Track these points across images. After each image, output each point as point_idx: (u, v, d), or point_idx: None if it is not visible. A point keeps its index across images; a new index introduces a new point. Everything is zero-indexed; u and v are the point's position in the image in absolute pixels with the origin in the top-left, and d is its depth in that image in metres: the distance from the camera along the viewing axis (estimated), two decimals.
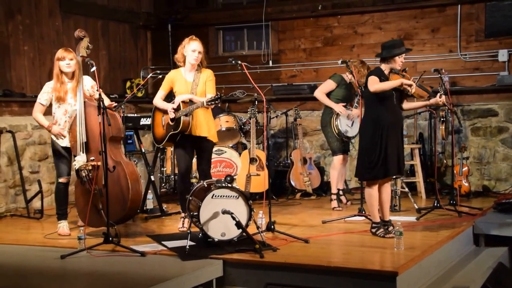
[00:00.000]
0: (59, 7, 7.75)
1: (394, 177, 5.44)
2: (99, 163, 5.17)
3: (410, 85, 4.97)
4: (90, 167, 5.20)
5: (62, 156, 5.48)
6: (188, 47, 5.42)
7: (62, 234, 5.50)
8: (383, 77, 5.07)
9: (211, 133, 5.55)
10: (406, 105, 5.28)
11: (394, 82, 5.00)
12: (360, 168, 5.21)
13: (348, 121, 6.53)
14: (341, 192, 6.80)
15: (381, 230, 5.15)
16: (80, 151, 5.23)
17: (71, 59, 5.37)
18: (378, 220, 5.21)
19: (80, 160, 5.21)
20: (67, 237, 5.45)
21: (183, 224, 5.63)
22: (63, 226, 5.55)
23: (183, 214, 5.67)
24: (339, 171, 6.69)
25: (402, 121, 5.25)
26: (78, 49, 5.30)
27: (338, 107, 6.49)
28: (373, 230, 5.20)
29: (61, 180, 5.50)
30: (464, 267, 5.18)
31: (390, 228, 5.13)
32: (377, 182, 5.15)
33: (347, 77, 6.62)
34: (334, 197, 6.64)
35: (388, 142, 5.04)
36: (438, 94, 5.21)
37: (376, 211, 5.20)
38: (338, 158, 6.63)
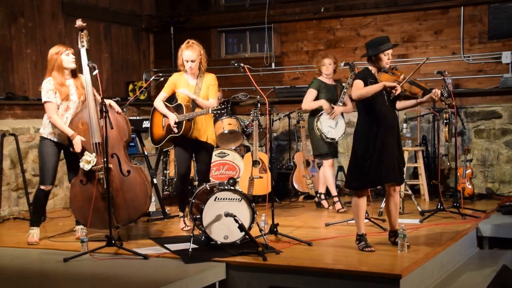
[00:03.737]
0: (62, 10, 7.77)
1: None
2: (111, 165, 5.15)
3: (394, 87, 4.58)
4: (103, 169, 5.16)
5: (52, 160, 5.28)
6: (183, 56, 5.44)
7: (31, 242, 5.29)
8: (370, 79, 4.71)
9: (211, 137, 5.58)
10: (399, 104, 4.89)
11: (374, 87, 4.61)
12: (348, 175, 4.88)
13: (331, 122, 6.47)
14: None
15: (362, 243, 4.80)
16: (91, 151, 5.18)
17: (73, 54, 5.26)
18: (362, 232, 4.83)
19: (90, 159, 5.14)
20: (70, 240, 5.44)
21: (185, 223, 5.66)
22: (35, 233, 5.35)
23: (181, 214, 5.71)
24: (332, 173, 6.63)
25: (397, 124, 4.90)
26: (82, 41, 5.21)
27: (323, 102, 6.44)
28: (357, 242, 4.85)
29: (43, 187, 5.29)
30: (467, 269, 5.16)
31: (395, 239, 4.83)
32: (366, 192, 4.86)
33: (326, 77, 6.59)
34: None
35: (381, 148, 4.67)
36: (433, 90, 4.75)
37: (362, 222, 4.85)
38: (329, 162, 6.59)
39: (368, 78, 4.72)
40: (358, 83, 4.70)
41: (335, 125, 6.48)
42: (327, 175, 6.66)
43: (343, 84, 6.55)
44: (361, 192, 4.83)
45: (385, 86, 4.61)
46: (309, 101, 6.58)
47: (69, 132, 5.17)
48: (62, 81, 5.22)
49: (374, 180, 4.77)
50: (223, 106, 5.30)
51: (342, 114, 6.55)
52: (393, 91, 4.61)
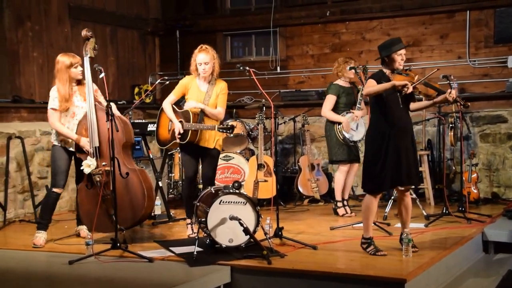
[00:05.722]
0: (68, 13, 7.79)
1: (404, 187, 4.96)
2: (109, 168, 5.15)
3: (405, 86, 4.55)
4: (101, 172, 5.18)
5: (65, 164, 5.38)
6: (197, 59, 5.43)
7: (37, 244, 5.32)
8: (383, 80, 4.70)
9: (218, 142, 5.58)
10: (413, 105, 4.88)
11: (385, 85, 4.59)
12: (363, 178, 4.85)
13: (352, 125, 6.44)
14: (345, 203, 6.69)
15: (372, 247, 4.81)
16: (92, 155, 5.22)
17: (81, 65, 5.36)
18: (370, 235, 4.86)
19: (90, 163, 5.19)
20: (75, 243, 5.45)
21: (192, 230, 5.61)
22: (42, 237, 5.37)
23: (189, 220, 5.66)
24: (343, 179, 6.57)
25: (411, 126, 4.89)
26: (86, 50, 5.29)
27: (341, 119, 6.42)
28: (364, 246, 4.85)
29: (55, 190, 5.37)
30: (473, 274, 5.15)
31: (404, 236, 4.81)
32: (379, 194, 4.84)
33: (344, 81, 6.58)
34: (339, 204, 6.60)
35: (393, 150, 4.66)
36: (448, 90, 4.76)
37: (370, 225, 4.87)
38: (346, 167, 6.57)
39: (382, 80, 4.72)
40: (371, 81, 4.72)
41: (356, 128, 6.47)
42: (338, 179, 6.58)
43: (359, 87, 6.52)
44: (373, 193, 4.81)
45: (395, 85, 4.58)
46: (329, 108, 6.52)
47: (74, 136, 5.28)
48: (69, 91, 5.29)
49: (389, 182, 4.73)
50: (230, 126, 5.26)
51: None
52: (404, 89, 4.57)
